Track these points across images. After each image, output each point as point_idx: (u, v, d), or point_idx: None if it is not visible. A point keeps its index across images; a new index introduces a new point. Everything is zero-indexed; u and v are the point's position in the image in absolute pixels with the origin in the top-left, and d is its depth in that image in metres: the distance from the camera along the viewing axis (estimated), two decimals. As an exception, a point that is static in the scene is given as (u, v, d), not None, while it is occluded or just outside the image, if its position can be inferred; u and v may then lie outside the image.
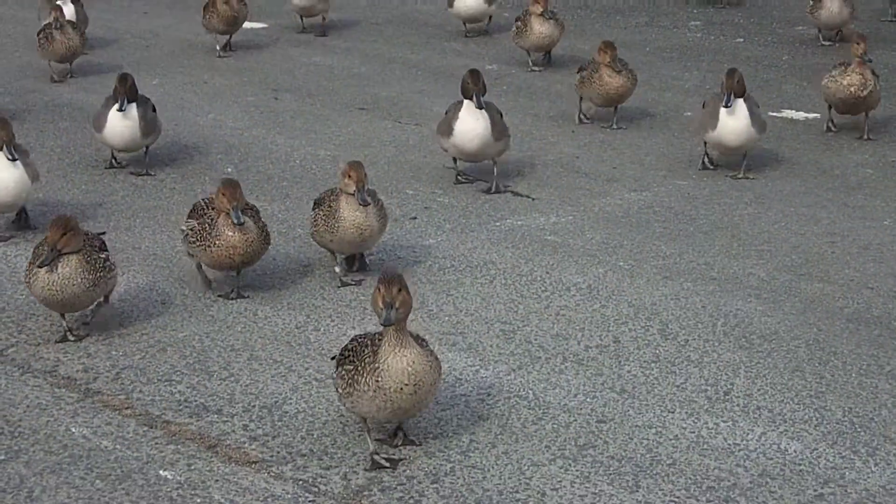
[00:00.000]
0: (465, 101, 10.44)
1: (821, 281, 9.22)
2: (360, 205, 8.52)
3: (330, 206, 8.69)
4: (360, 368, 6.44)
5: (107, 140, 11.06)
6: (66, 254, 7.86)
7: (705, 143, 11.30)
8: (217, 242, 8.48)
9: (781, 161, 11.76)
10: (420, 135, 12.49)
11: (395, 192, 10.98)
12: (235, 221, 8.39)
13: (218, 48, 15.63)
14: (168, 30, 17.31)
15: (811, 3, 15.75)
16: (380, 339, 6.45)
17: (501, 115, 10.82)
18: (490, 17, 16.77)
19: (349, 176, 8.53)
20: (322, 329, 8.35)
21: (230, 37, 15.66)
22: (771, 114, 13.21)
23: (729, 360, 7.93)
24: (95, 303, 8.24)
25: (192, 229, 8.63)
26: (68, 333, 8.17)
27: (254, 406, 7.41)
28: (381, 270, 6.46)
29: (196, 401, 7.47)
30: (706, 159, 11.48)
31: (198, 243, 8.57)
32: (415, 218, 10.38)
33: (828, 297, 8.93)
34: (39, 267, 7.80)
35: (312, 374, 7.75)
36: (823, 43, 15.91)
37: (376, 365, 6.37)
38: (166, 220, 10.11)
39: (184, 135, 12.29)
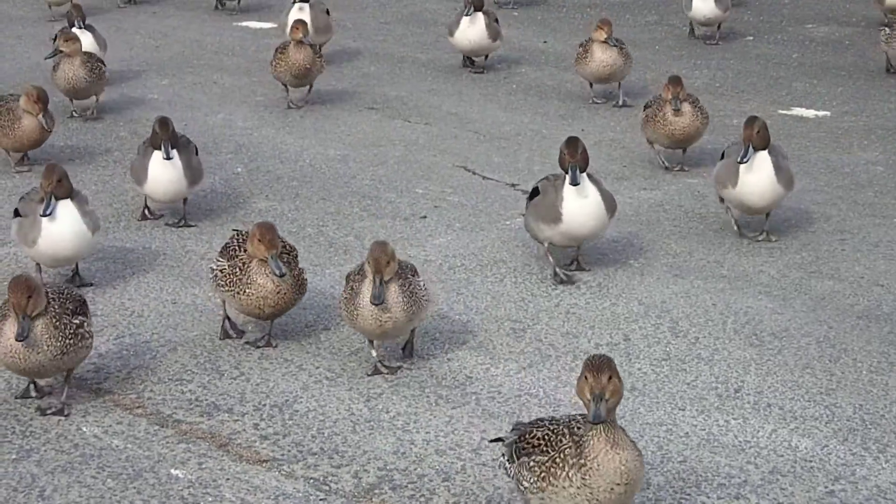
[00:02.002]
0: (567, 178, 8.81)
1: (831, 278, 9.22)
2: (373, 302, 7.34)
3: (352, 289, 7.57)
4: (558, 461, 5.66)
5: (150, 193, 10.00)
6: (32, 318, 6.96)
7: (722, 200, 9.90)
8: (247, 290, 7.81)
9: (791, 159, 11.73)
10: (429, 134, 12.50)
11: (404, 190, 11.00)
12: (278, 273, 7.70)
13: (288, 99, 13.52)
14: (177, 30, 17.32)
15: None
16: (579, 428, 5.69)
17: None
18: (486, 56, 14.95)
19: (369, 264, 7.44)
20: (332, 328, 8.36)
21: (310, 89, 13.44)
22: (780, 111, 13.23)
23: (739, 357, 7.93)
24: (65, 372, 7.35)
25: (221, 270, 7.97)
26: (31, 387, 7.45)
27: (264, 405, 7.43)
28: (590, 356, 5.69)
29: (207, 400, 7.49)
30: (734, 224, 9.94)
31: (227, 287, 7.91)
32: (425, 217, 10.39)
33: (838, 295, 8.93)
34: (18, 340, 6.86)
35: (323, 373, 7.77)
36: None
37: (583, 462, 5.60)
38: (173, 219, 10.13)
39: (193, 135, 12.25)
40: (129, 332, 8.38)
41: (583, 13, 18.04)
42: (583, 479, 5.58)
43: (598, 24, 13.30)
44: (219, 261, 8.04)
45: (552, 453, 5.67)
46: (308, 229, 10.12)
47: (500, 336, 8.31)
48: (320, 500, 6.49)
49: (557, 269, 9.03)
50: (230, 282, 7.87)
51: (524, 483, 5.76)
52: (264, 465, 6.82)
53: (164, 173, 9.82)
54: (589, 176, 8.85)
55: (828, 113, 13.32)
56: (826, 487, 6.58)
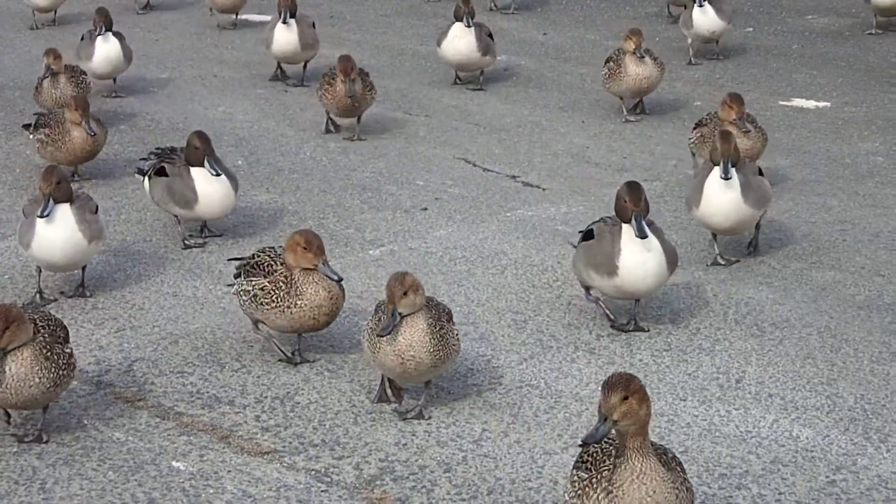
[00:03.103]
0: (626, 227, 7.79)
1: (832, 269, 9.22)
2: (380, 335, 6.84)
3: (379, 320, 7.00)
4: (593, 482, 5.43)
5: (203, 214, 9.49)
6: (13, 349, 6.58)
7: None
8: (298, 303, 7.44)
9: (792, 150, 11.76)
10: (429, 126, 12.50)
11: (405, 182, 11.00)
12: (336, 279, 7.43)
13: (327, 122, 12.47)
14: (176, 23, 17.31)
15: None
16: (621, 451, 5.41)
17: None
18: (482, 72, 13.89)
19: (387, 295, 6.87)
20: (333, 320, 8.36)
21: (358, 120, 12.21)
22: (781, 103, 13.23)
23: (740, 347, 7.93)
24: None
25: (262, 289, 7.53)
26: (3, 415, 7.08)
27: (266, 397, 7.43)
28: (612, 373, 5.43)
29: (208, 392, 7.49)
30: (717, 255, 9.25)
31: (272, 305, 7.49)
32: (425, 209, 10.39)
33: (839, 285, 8.93)
34: None
35: (324, 365, 7.77)
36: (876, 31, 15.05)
37: (611, 488, 5.34)
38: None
39: (193, 128, 12.21)
40: (129, 324, 8.38)
41: (582, 4, 18.02)
42: None
43: (627, 34, 12.46)
44: (253, 281, 7.57)
45: (593, 472, 5.47)
46: (309, 222, 10.11)
47: (502, 327, 8.31)
48: (322, 491, 6.50)
49: (609, 314, 8.14)
50: (275, 298, 7.47)
51: (567, 495, 5.57)
52: (266, 457, 6.82)
53: (215, 190, 9.35)
54: (649, 224, 7.85)
55: (828, 104, 13.32)
56: (827, 477, 6.58)
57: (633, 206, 7.67)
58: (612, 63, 12.42)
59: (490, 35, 13.64)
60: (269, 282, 7.52)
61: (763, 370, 7.66)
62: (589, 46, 15.39)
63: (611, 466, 5.41)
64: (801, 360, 7.78)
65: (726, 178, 8.71)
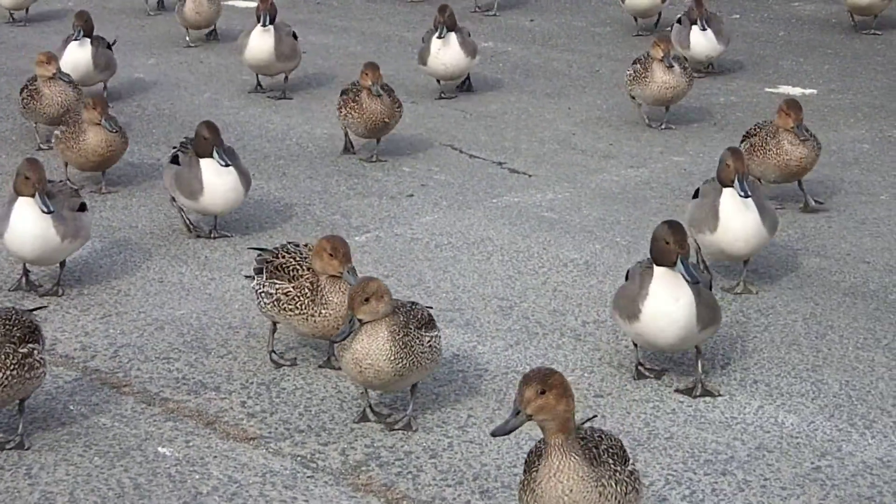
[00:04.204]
0: (658, 270, 7.04)
1: (817, 256, 9.24)
2: (334, 340, 6.77)
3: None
4: (526, 482, 5.31)
5: (207, 206, 9.29)
6: None
7: (699, 246, 8.50)
8: (323, 312, 7.20)
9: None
10: (416, 113, 12.48)
11: (391, 169, 11.00)
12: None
13: (346, 142, 11.43)
14: (162, 10, 17.26)
15: None
16: (543, 449, 5.27)
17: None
18: (468, 77, 13.29)
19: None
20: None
21: (378, 141, 11.17)
22: (767, 90, 13.26)
23: (725, 334, 7.94)
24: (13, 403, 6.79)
25: (286, 294, 7.28)
26: None
27: (251, 383, 7.43)
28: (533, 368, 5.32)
29: (194, 378, 7.49)
30: (701, 261, 8.58)
31: (296, 312, 7.25)
32: (412, 195, 10.39)
33: (824, 272, 8.96)
34: None
35: (310, 352, 7.77)
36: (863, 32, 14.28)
37: (533, 486, 5.24)
38: (162, 199, 10.08)
39: (180, 113, 12.28)
40: (115, 310, 8.38)
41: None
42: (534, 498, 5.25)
43: (655, 40, 11.87)
44: (277, 284, 7.33)
45: (527, 472, 5.35)
46: (295, 208, 10.12)
47: (487, 314, 8.32)
48: (308, 477, 6.50)
49: (640, 364, 7.47)
50: (300, 305, 7.24)
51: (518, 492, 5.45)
52: (251, 442, 6.82)
53: (222, 182, 9.19)
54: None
55: (814, 91, 13.34)
56: (812, 463, 6.60)
57: (679, 248, 6.91)
58: (639, 66, 11.77)
59: (469, 34, 12.94)
60: (293, 287, 7.27)
61: (748, 357, 7.68)
62: (576, 33, 15.40)
63: (536, 465, 5.28)
64: (786, 346, 7.80)
65: (745, 195, 8.07)
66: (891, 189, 10.50)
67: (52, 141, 10.46)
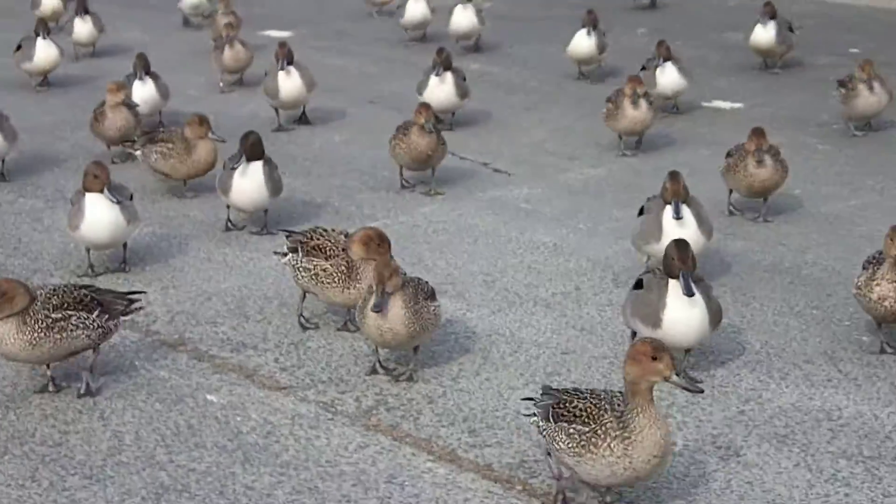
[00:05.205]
0: (672, 282, 6.65)
1: (743, 239, 9.25)
2: (372, 310, 6.61)
3: (365, 300, 6.81)
4: (600, 432, 5.26)
5: (234, 202, 9.16)
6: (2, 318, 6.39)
7: (648, 258, 8.23)
8: (358, 286, 7.19)
9: (712, 142, 11.74)
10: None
11: (396, 168, 10.97)
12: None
13: (402, 179, 10.54)
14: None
15: (843, 91, 11.90)
16: (619, 405, 5.32)
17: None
18: (453, 113, 12.33)
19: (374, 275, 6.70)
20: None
21: (432, 172, 10.32)
22: (703, 104, 13.23)
23: (668, 303, 7.93)
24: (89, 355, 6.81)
25: (323, 270, 7.27)
26: (50, 383, 6.81)
27: (283, 343, 7.45)
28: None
29: (236, 339, 7.51)
30: (646, 263, 8.25)
31: (333, 285, 7.25)
32: (413, 189, 10.38)
33: (748, 252, 8.97)
34: None
35: (330, 318, 7.78)
36: (856, 133, 11.88)
37: (627, 434, 5.21)
38: (210, 194, 9.98)
39: (226, 123, 12.23)
40: (172, 284, 8.39)
41: (542, 24, 17.91)
42: (625, 449, 5.21)
43: (627, 80, 11.23)
44: (314, 261, 7.29)
45: (593, 425, 5.28)
46: (318, 200, 10.12)
47: (475, 286, 8.33)
48: (328, 419, 6.52)
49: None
50: (336, 280, 7.22)
51: (561, 444, 5.40)
52: (283, 391, 6.84)
53: (245, 183, 9.00)
54: (698, 281, 6.71)
55: (741, 105, 13.32)
56: (738, 408, 6.62)
57: (681, 264, 6.58)
58: (611, 104, 11.21)
59: (464, 78, 12.18)
60: (330, 264, 7.22)
61: (686, 321, 7.67)
62: (548, 58, 15.34)
63: (612, 419, 5.26)
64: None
65: (678, 217, 7.83)
66: (802, 185, 10.50)
67: (153, 159, 9.90)
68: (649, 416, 5.23)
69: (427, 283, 6.93)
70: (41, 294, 6.53)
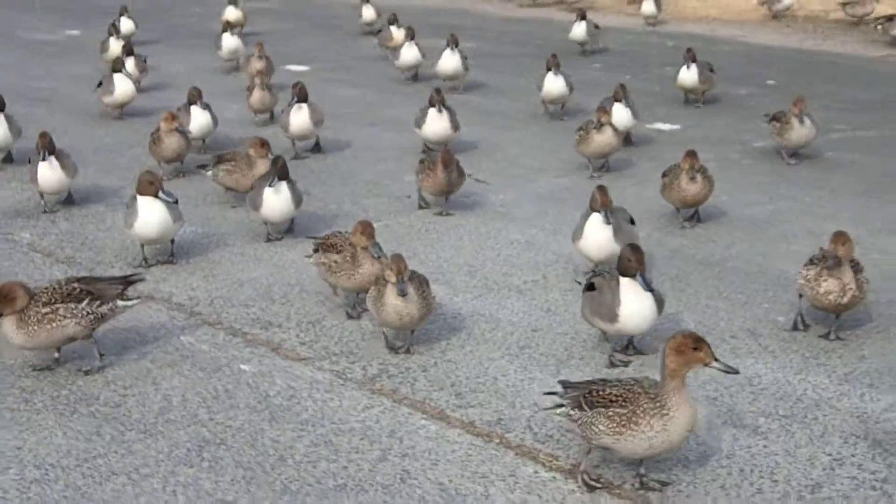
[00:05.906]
0: (624, 280, 6.52)
1: (679, 237, 9.27)
2: (399, 294, 6.58)
3: (378, 290, 6.76)
4: (639, 412, 5.12)
5: (265, 216, 8.86)
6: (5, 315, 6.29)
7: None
8: (360, 272, 7.22)
9: (652, 158, 11.76)
10: (414, 142, 12.40)
11: (396, 179, 10.99)
12: (376, 256, 7.15)
13: (419, 199, 10.11)
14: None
15: (777, 125, 11.48)
16: (651, 387, 5.20)
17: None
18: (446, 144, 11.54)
19: (391, 268, 6.64)
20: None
21: (446, 198, 9.90)
22: (647, 126, 13.22)
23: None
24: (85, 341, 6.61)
25: (335, 262, 7.29)
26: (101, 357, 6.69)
27: (303, 322, 7.45)
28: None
29: (264, 318, 7.51)
30: (577, 270, 8.19)
31: (341, 273, 7.27)
32: (409, 196, 10.36)
33: (684, 248, 8.98)
34: None
35: (341, 302, 7.78)
36: (790, 162, 11.39)
37: (665, 412, 5.10)
38: (241, 199, 9.91)
39: (250, 135, 12.19)
40: (211, 273, 8.38)
41: (515, 60, 17.92)
42: (664, 426, 5.09)
43: (598, 109, 10.91)
44: (329, 255, 7.34)
45: (632, 407, 5.14)
46: (331, 205, 10.11)
47: (460, 275, 8.33)
48: (340, 385, 6.53)
49: (615, 355, 6.85)
50: (344, 268, 7.25)
51: (600, 427, 5.20)
52: (303, 361, 6.84)
53: (277, 201, 8.76)
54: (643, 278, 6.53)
55: (678, 126, 13.34)
56: (676, 375, 6.61)
57: (637, 265, 6.44)
58: (581, 132, 10.83)
59: (454, 115, 11.63)
60: (340, 257, 7.26)
61: (634, 304, 7.67)
62: (521, 88, 15.34)
63: (647, 400, 5.13)
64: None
65: (607, 223, 7.62)
66: (729, 193, 10.50)
67: (220, 175, 9.77)
68: (683, 396, 5.13)
69: (422, 274, 6.97)
70: (37, 292, 6.41)
